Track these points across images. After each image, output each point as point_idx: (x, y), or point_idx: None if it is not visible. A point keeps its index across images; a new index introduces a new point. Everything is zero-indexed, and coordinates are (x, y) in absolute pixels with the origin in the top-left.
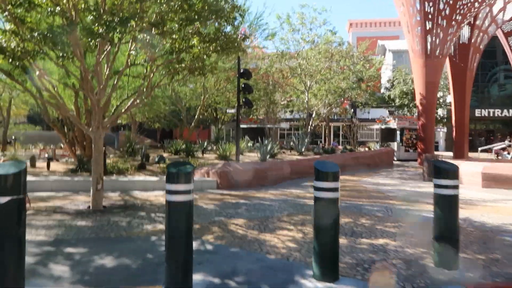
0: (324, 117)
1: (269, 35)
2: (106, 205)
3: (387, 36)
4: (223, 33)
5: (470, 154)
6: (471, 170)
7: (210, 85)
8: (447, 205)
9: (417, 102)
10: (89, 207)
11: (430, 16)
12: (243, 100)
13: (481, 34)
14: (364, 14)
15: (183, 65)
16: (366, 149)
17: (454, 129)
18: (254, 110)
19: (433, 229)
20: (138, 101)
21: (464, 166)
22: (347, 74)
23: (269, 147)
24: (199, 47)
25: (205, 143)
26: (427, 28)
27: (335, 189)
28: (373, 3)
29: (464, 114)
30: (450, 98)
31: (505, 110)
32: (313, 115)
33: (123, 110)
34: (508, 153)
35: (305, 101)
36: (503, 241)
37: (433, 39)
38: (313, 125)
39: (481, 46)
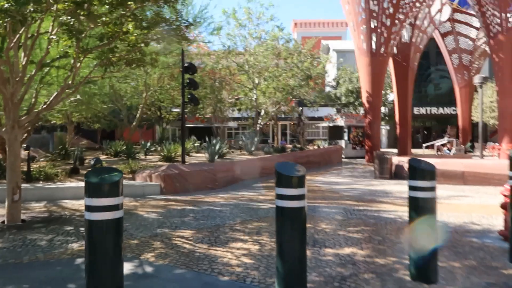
0: (272, 116)
1: (215, 29)
2: (26, 218)
3: (330, 37)
4: (163, 18)
5: (413, 151)
6: None
7: (153, 81)
8: (425, 209)
9: (363, 99)
10: (3, 222)
11: (374, 15)
12: (189, 96)
13: (421, 34)
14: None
15: (117, 55)
16: (315, 147)
17: (397, 126)
18: (201, 108)
19: (409, 237)
20: (63, 96)
21: None
22: (295, 71)
23: (217, 147)
24: (135, 34)
25: (148, 144)
26: (372, 26)
27: (300, 197)
28: (317, 3)
29: (407, 111)
30: (392, 96)
31: (441, 108)
32: (262, 113)
33: (44, 107)
34: (449, 149)
35: (253, 99)
36: (471, 244)
37: (378, 38)
38: (261, 123)
39: (421, 46)
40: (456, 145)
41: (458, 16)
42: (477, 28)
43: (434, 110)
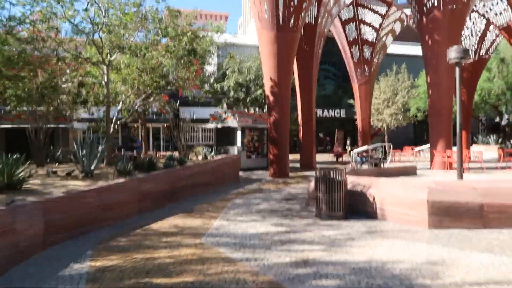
0: (139, 114)
1: None
2: None
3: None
4: None
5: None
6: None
7: None
8: None
9: (267, 90)
10: None
11: None
12: None
13: (326, 15)
14: (183, 4)
15: None
16: (199, 157)
17: (300, 128)
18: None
19: None
20: None
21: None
22: (172, 46)
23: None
24: None
25: None
26: None
27: None
28: None
29: (311, 109)
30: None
31: (325, 110)
32: (120, 107)
33: None
34: (362, 157)
35: (103, 83)
36: None
37: (287, 5)
38: (119, 123)
39: (325, 30)
40: (375, 151)
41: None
42: (382, 15)
43: (319, 112)
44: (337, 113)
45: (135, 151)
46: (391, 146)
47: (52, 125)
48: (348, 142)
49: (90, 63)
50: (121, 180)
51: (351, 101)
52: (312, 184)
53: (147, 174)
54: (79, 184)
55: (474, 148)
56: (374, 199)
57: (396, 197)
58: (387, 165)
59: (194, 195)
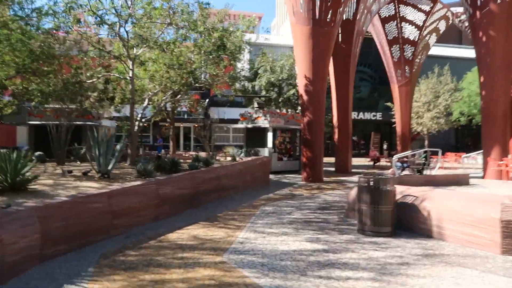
0: (168, 113)
1: None
2: None
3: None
4: None
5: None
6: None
7: None
8: None
9: (300, 89)
10: None
11: None
12: None
13: (365, 11)
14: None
15: None
16: (227, 158)
17: (335, 130)
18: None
19: None
20: None
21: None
22: (201, 41)
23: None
24: None
25: None
26: None
27: None
28: None
29: (348, 111)
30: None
31: (361, 113)
32: (146, 105)
33: None
34: (403, 163)
35: (128, 78)
36: None
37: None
38: (144, 121)
39: (364, 28)
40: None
41: None
42: (426, 12)
43: (354, 114)
44: (373, 115)
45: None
46: (440, 151)
47: (78, 122)
48: (385, 146)
49: (115, 58)
50: (137, 182)
51: (388, 104)
52: (352, 192)
53: (168, 176)
54: (92, 186)
55: None
56: (429, 214)
57: (458, 213)
58: (434, 172)
59: (219, 200)
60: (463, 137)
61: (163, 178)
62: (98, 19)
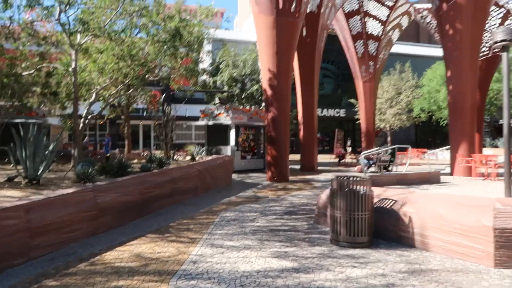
0: (122, 109)
1: None
2: None
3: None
4: None
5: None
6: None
7: None
8: None
9: (264, 83)
10: None
11: None
12: None
13: (329, 4)
14: None
15: None
16: (187, 157)
17: (300, 128)
18: None
19: None
20: None
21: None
22: (155, 31)
23: None
24: None
25: None
26: None
27: None
28: None
29: (313, 108)
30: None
31: (324, 110)
32: (93, 100)
33: None
34: (369, 160)
35: (70, 70)
36: None
37: None
38: (95, 118)
39: (328, 22)
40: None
41: None
42: (389, 7)
43: (317, 112)
44: (337, 112)
45: (105, 151)
46: (410, 148)
47: (19, 120)
48: (349, 142)
49: (52, 45)
50: (69, 190)
51: (351, 100)
52: (323, 196)
53: (109, 181)
54: (13, 196)
55: (485, 152)
56: (410, 220)
57: (444, 219)
58: (404, 169)
59: (174, 205)
60: (423, 133)
61: (102, 183)
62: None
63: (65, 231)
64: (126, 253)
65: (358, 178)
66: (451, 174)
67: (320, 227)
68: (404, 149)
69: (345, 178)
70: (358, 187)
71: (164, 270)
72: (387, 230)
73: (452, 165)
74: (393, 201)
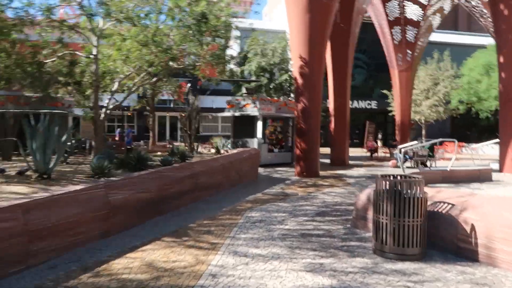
0: (148, 100)
1: None
2: None
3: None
4: None
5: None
6: None
7: None
8: None
9: (295, 71)
10: None
11: None
12: None
13: None
14: None
15: None
16: (212, 150)
17: (331, 119)
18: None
19: None
20: None
21: None
22: (181, 16)
23: None
24: None
25: None
26: None
27: None
28: None
29: (346, 98)
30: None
31: (355, 102)
32: (115, 89)
33: None
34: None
35: (92, 55)
36: None
37: None
38: (111, 108)
39: (363, 6)
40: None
41: None
42: None
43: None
44: (368, 104)
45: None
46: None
47: (43, 111)
48: (380, 136)
49: (71, 29)
50: (78, 187)
51: (384, 91)
52: (362, 196)
53: (124, 177)
54: (19, 192)
55: None
56: (473, 229)
57: None
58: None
59: (195, 203)
60: (458, 127)
61: (116, 179)
62: None
63: (70, 233)
64: (137, 261)
65: (409, 178)
66: (500, 171)
67: (359, 232)
68: (441, 143)
69: (393, 177)
70: (409, 188)
71: (178, 285)
72: (442, 240)
73: (502, 160)
74: (450, 205)
